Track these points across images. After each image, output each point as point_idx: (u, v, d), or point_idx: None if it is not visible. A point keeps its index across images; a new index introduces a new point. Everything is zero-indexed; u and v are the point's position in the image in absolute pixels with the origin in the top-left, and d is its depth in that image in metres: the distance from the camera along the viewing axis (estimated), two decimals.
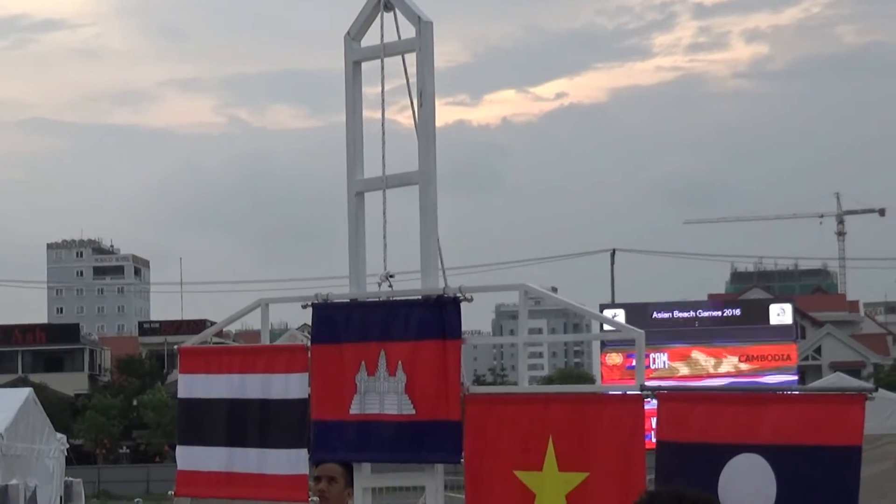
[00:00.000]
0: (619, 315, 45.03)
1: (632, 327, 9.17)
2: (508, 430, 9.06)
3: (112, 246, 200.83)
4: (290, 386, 10.06)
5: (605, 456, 8.66)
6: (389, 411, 9.40)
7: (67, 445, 33.34)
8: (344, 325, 9.70)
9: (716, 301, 68.65)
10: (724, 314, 50.20)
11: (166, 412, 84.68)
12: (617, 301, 65.81)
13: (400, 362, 9.37)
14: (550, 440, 8.85)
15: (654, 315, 49.32)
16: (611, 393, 9.46)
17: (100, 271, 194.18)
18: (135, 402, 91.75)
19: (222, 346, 12.21)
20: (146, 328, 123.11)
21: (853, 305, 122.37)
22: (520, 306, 9.50)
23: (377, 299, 9.74)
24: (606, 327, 9.80)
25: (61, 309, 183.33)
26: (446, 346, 9.22)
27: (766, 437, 8.18)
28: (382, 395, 9.45)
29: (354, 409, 9.56)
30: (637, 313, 47.18)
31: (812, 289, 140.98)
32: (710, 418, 8.40)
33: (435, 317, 9.28)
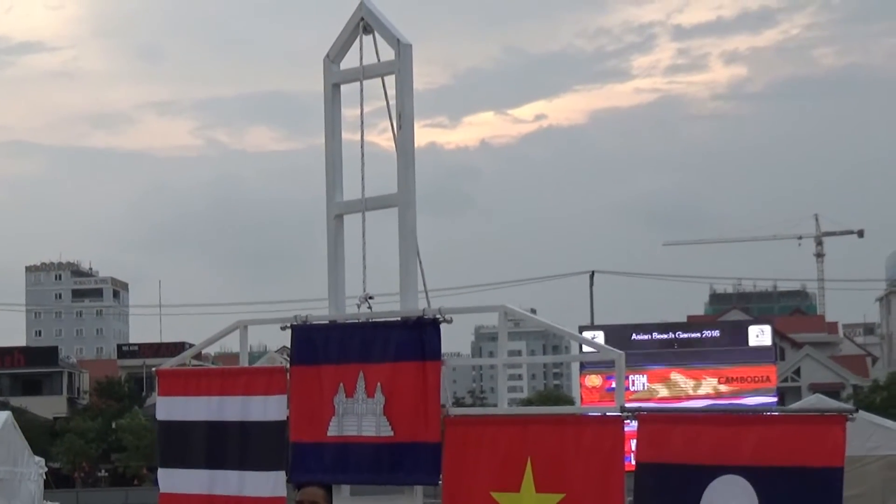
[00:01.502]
0: (599, 337, 44.96)
1: (611, 348, 9.14)
2: (487, 452, 9.03)
3: (91, 268, 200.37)
4: (269, 408, 10.02)
5: (583, 477, 8.63)
6: (367, 433, 9.37)
7: (46, 469, 33.17)
8: (323, 346, 9.67)
9: (695, 323, 68.71)
10: (703, 336, 50.10)
11: (145, 435, 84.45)
12: (596, 323, 65.83)
13: (379, 384, 9.34)
14: (529, 461, 8.82)
15: (634, 337, 49.22)
16: (590, 414, 9.43)
17: (78, 294, 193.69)
18: (113, 425, 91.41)
19: (201, 369, 12.15)
20: (125, 351, 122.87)
21: (832, 327, 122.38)
22: (499, 328, 9.47)
23: (356, 321, 9.72)
24: (586, 349, 9.75)
25: (40, 332, 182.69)
26: (426, 368, 9.19)
27: (747, 458, 8.16)
28: (360, 416, 9.41)
29: (332, 431, 9.52)
30: (616, 335, 47.07)
31: (791, 310, 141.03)
32: (691, 440, 8.37)
33: (414, 338, 9.25)
